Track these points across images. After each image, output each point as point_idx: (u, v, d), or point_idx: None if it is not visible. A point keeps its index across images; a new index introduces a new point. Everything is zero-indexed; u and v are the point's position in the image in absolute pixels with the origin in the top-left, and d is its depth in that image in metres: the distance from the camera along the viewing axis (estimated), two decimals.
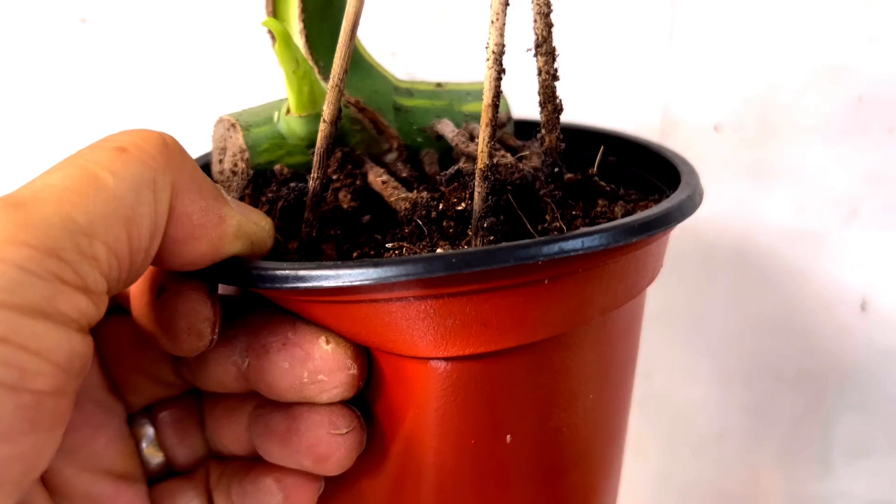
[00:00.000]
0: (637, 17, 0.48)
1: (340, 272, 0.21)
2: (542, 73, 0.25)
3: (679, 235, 0.50)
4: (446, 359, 0.23)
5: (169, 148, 0.21)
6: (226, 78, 0.48)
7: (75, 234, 0.18)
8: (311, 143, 0.29)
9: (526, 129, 0.36)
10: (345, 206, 0.28)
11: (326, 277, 0.21)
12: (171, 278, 0.23)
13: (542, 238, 0.22)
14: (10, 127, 0.48)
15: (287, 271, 0.22)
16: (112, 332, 0.25)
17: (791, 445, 0.56)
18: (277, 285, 0.22)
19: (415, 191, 0.29)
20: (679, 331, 0.54)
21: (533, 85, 0.27)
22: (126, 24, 0.47)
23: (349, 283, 0.21)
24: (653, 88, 0.49)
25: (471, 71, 0.48)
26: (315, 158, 0.26)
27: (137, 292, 0.24)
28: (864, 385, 0.54)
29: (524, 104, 0.33)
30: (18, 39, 0.47)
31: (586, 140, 0.35)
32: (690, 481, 0.58)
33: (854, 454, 0.56)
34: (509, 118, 0.35)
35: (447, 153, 0.33)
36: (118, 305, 0.26)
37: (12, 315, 0.16)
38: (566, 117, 0.35)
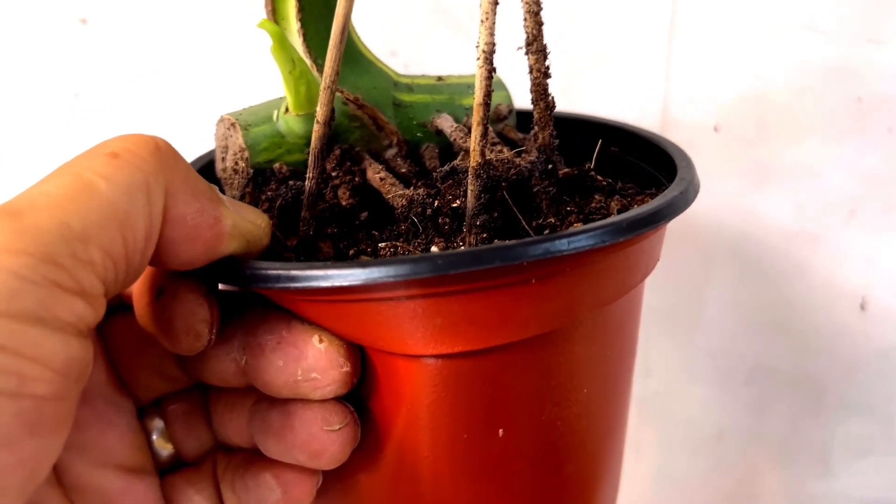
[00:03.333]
0: (637, 17, 0.48)
1: (330, 272, 0.22)
2: (534, 71, 0.25)
3: (679, 235, 0.50)
4: (436, 356, 0.24)
5: (161, 151, 0.22)
6: (227, 76, 0.49)
7: (70, 239, 0.19)
8: (310, 141, 0.30)
9: (529, 119, 0.36)
10: (343, 202, 0.29)
11: (316, 278, 0.22)
12: (170, 279, 0.24)
13: (528, 239, 0.22)
14: (10, 127, 0.49)
15: (279, 271, 0.23)
16: (118, 329, 0.26)
17: (791, 445, 0.56)
18: (270, 285, 0.23)
19: (412, 187, 0.29)
20: (679, 330, 0.54)
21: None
22: (126, 24, 0.47)
23: (338, 284, 0.22)
24: (653, 88, 0.49)
25: (472, 67, 0.48)
26: (310, 158, 0.27)
27: (138, 293, 0.25)
28: (863, 385, 0.54)
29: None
30: (18, 39, 0.47)
31: (586, 130, 0.35)
32: (690, 481, 0.59)
33: (854, 454, 0.56)
34: (511, 110, 0.35)
35: (448, 147, 0.33)
36: (123, 304, 0.27)
37: (10, 323, 0.17)
38: (567, 108, 0.35)
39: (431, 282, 0.22)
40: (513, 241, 0.22)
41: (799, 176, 0.50)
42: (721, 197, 0.50)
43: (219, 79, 0.49)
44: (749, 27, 0.47)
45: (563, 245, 0.22)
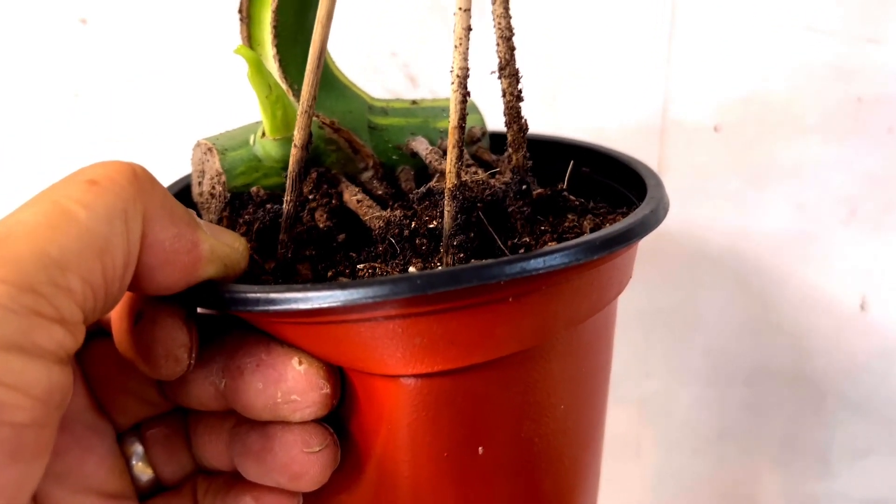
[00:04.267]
0: (637, 17, 0.48)
1: (309, 294, 0.22)
2: (507, 95, 0.26)
3: (679, 235, 0.50)
4: (415, 376, 0.24)
5: (139, 178, 0.22)
6: (227, 76, 0.48)
7: (49, 267, 0.19)
8: (286, 165, 0.30)
9: (502, 141, 0.37)
10: (321, 225, 0.29)
11: (295, 300, 0.22)
12: (148, 304, 0.24)
13: (505, 258, 0.22)
14: (9, 127, 0.49)
15: (258, 294, 0.23)
16: (97, 354, 0.26)
17: (790, 445, 0.57)
18: (249, 308, 0.23)
19: (389, 209, 0.29)
20: (678, 330, 0.55)
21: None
22: (126, 24, 0.47)
23: (317, 306, 0.22)
24: (653, 88, 0.49)
25: (471, 67, 0.49)
26: (287, 182, 0.27)
27: (117, 318, 0.25)
28: (863, 385, 0.54)
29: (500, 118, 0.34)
30: (18, 39, 0.47)
31: (560, 152, 0.35)
32: (690, 481, 0.59)
33: (853, 454, 0.56)
34: (484, 133, 0.36)
35: (423, 169, 0.33)
36: (102, 329, 0.27)
37: None
38: (545, 130, 0.36)
39: (410, 302, 0.22)
40: (490, 261, 0.22)
41: (799, 176, 0.50)
42: (721, 197, 0.51)
43: (219, 79, 0.48)
44: (749, 27, 0.48)
45: (538, 263, 0.22)
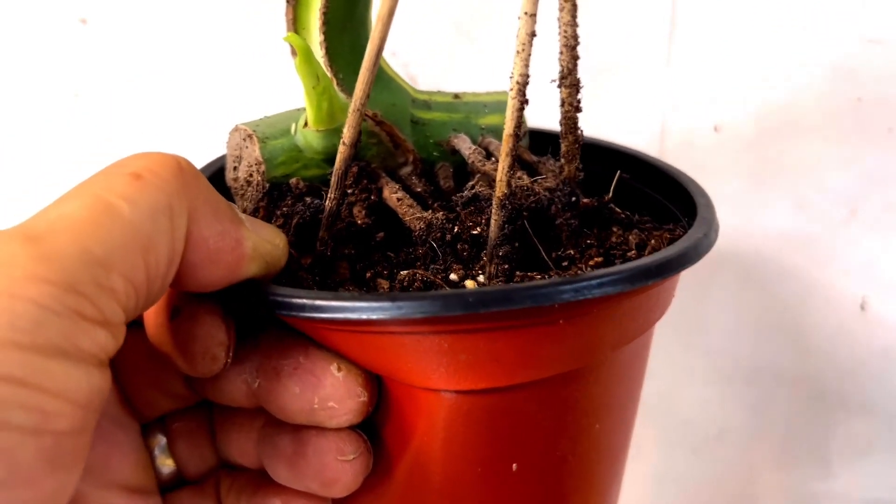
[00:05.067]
0: (637, 17, 0.47)
1: (358, 304, 0.21)
2: (566, 105, 0.25)
3: None
4: (457, 392, 0.23)
5: (184, 172, 0.21)
6: (227, 76, 0.48)
7: (93, 266, 0.18)
8: (328, 157, 0.29)
9: (541, 140, 0.36)
10: (359, 221, 0.28)
11: (343, 309, 0.22)
12: (186, 300, 0.23)
13: (560, 280, 0.22)
14: (9, 127, 0.48)
15: (304, 300, 0.22)
16: (126, 347, 0.25)
17: (791, 445, 0.56)
18: (294, 313, 0.22)
19: (430, 210, 0.28)
20: (679, 331, 0.54)
21: (547, 93, 0.26)
22: (126, 24, 0.46)
23: (366, 318, 0.21)
24: (653, 89, 0.49)
25: (471, 67, 0.48)
26: (333, 179, 0.26)
27: (152, 313, 0.24)
28: (863, 385, 0.54)
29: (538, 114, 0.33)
30: (18, 39, 0.46)
31: (598, 155, 0.35)
32: (690, 481, 0.59)
33: (854, 454, 0.56)
34: (525, 132, 0.35)
35: (461, 167, 0.33)
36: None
37: (31, 356, 0.16)
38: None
39: (459, 318, 0.22)
40: (544, 281, 0.22)
41: (799, 176, 0.50)
42: (721, 197, 0.50)
43: (218, 79, 0.48)
44: (749, 27, 0.47)
45: (594, 288, 0.22)
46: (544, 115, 0.33)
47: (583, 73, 0.46)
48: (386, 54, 0.48)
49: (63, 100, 0.47)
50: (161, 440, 0.27)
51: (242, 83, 0.47)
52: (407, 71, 0.48)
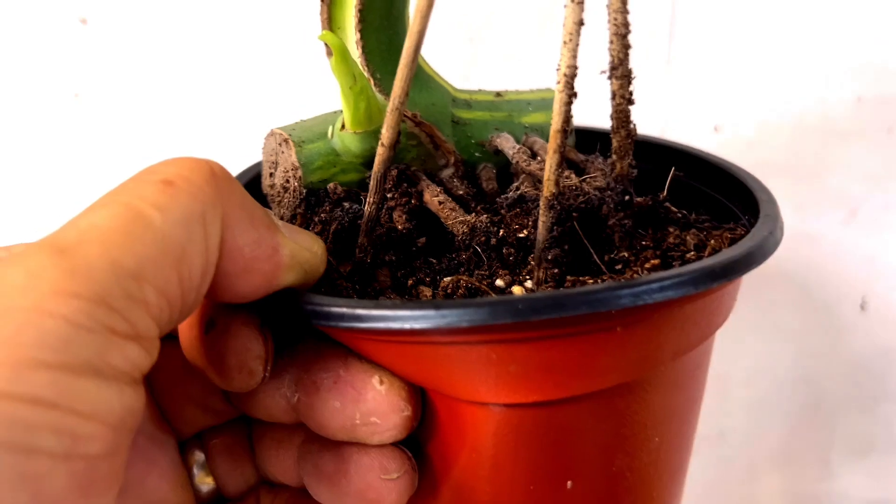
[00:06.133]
0: (637, 17, 0.47)
1: (400, 313, 0.20)
2: (617, 97, 0.24)
3: None
4: (506, 405, 0.22)
5: (217, 178, 0.20)
6: (227, 77, 0.48)
7: (124, 279, 0.17)
8: (366, 161, 0.28)
9: (587, 138, 0.34)
10: (399, 227, 0.27)
11: (385, 318, 0.20)
12: (221, 311, 0.22)
13: (617, 283, 0.20)
14: (9, 127, 0.48)
15: (343, 309, 0.21)
16: (161, 361, 0.24)
17: (791, 445, 0.56)
18: (332, 323, 0.21)
19: (473, 213, 0.27)
20: None
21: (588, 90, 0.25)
22: (126, 24, 0.46)
23: (409, 327, 0.20)
24: (653, 88, 0.49)
25: (471, 66, 0.47)
26: (371, 182, 0.25)
27: (186, 326, 0.23)
28: (863, 385, 0.54)
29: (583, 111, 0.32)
30: (18, 39, 0.46)
31: (649, 152, 0.33)
32: (690, 481, 0.57)
33: (854, 454, 0.56)
34: (571, 130, 0.33)
35: (504, 168, 0.31)
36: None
37: (63, 376, 0.15)
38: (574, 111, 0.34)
39: (508, 327, 0.20)
40: (600, 286, 0.20)
41: (799, 176, 0.49)
42: None
43: (219, 79, 0.48)
44: (749, 27, 0.47)
45: (653, 292, 0.20)
46: (589, 111, 0.32)
47: (583, 72, 0.45)
48: None
49: (63, 100, 0.48)
50: (199, 457, 0.26)
51: (243, 83, 0.47)
52: None
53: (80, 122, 0.48)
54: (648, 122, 0.49)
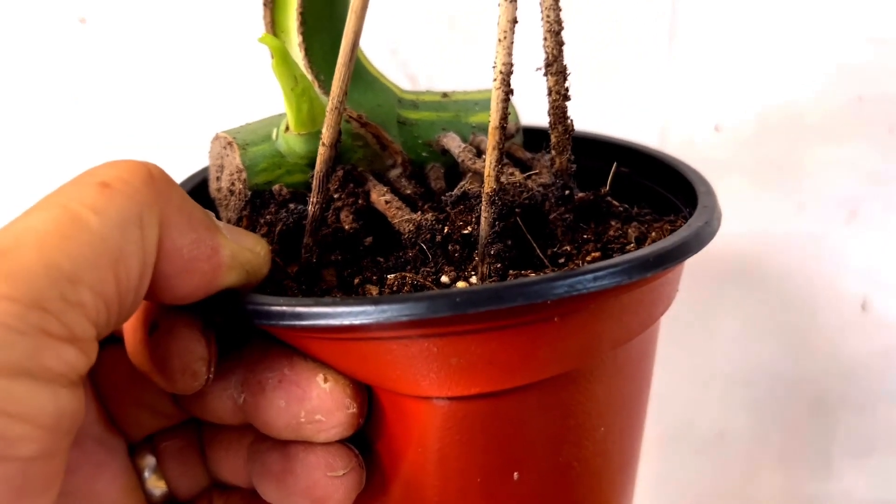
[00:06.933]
0: (637, 16, 0.48)
1: (339, 310, 0.20)
2: (553, 93, 0.24)
3: None
4: (450, 398, 0.22)
5: (155, 179, 0.20)
6: (228, 77, 0.48)
7: (59, 281, 0.17)
8: (311, 162, 0.28)
9: (536, 137, 0.35)
10: (346, 227, 0.27)
11: (324, 315, 0.20)
12: (164, 313, 0.22)
13: (552, 275, 0.20)
14: (9, 127, 0.48)
15: (283, 308, 0.21)
16: (107, 364, 0.24)
17: (791, 445, 0.56)
18: (273, 322, 0.21)
19: (419, 211, 0.27)
20: (679, 331, 0.54)
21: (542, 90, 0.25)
22: (126, 24, 0.46)
23: (348, 323, 0.20)
24: (654, 88, 0.49)
25: (470, 65, 0.47)
26: (314, 182, 0.25)
27: (130, 328, 0.23)
28: (864, 385, 0.54)
29: (534, 111, 0.32)
30: (18, 39, 0.46)
31: (594, 149, 0.33)
32: (690, 481, 0.58)
33: (854, 454, 0.56)
34: (518, 129, 0.34)
35: (453, 167, 0.31)
36: (113, 336, 0.25)
37: None
38: (570, 112, 0.34)
39: (448, 320, 0.21)
40: (536, 278, 0.21)
41: (799, 176, 0.50)
42: (721, 197, 0.50)
43: (219, 80, 0.48)
44: (749, 27, 0.47)
45: (589, 282, 0.20)
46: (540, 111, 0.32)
47: (583, 73, 0.46)
48: (385, 52, 0.48)
49: (63, 101, 0.47)
50: (150, 461, 0.26)
51: (244, 83, 0.47)
52: (406, 70, 0.48)
53: (79, 122, 0.48)
54: (648, 121, 0.49)
